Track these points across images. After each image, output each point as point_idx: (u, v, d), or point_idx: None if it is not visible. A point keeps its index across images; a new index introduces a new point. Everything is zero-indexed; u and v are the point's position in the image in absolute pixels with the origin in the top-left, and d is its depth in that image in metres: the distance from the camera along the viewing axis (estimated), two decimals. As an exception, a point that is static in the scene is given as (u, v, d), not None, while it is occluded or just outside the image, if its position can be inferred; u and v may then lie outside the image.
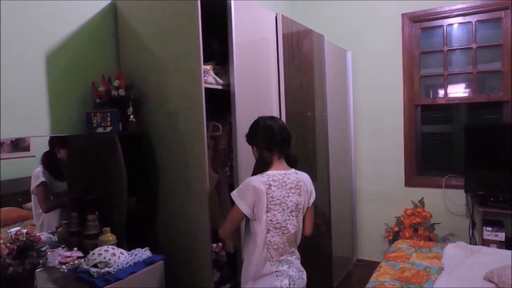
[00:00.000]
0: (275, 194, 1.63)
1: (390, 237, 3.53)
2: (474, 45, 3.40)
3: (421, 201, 3.56)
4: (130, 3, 2.15)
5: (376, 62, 3.73)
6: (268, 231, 1.64)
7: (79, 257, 1.71)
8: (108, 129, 1.95)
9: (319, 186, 2.81)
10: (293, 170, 1.74)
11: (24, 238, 1.51)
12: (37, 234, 1.64)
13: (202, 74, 1.88)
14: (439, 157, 3.67)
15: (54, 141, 1.92)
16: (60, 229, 1.91)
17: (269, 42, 2.37)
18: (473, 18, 3.38)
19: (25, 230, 1.57)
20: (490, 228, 3.03)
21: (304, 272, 1.77)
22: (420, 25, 3.59)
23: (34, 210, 1.86)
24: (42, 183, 1.87)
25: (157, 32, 2.04)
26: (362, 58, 3.76)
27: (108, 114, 1.96)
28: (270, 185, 1.63)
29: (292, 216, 1.68)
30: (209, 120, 2.03)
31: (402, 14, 3.58)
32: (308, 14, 3.93)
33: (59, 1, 1.95)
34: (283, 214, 1.65)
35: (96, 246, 1.73)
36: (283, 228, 1.65)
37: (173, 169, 2.02)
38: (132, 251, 1.76)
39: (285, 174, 1.69)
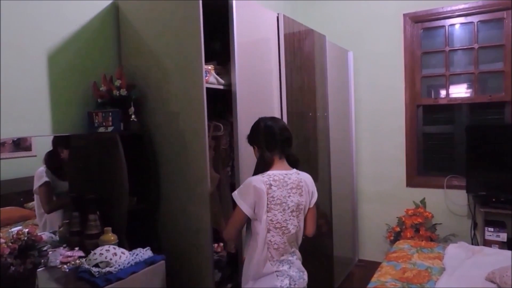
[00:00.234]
0: (276, 194, 1.63)
1: (392, 238, 3.53)
2: (476, 46, 3.40)
3: (423, 202, 3.55)
4: (131, 3, 2.15)
5: (377, 62, 3.72)
6: (268, 230, 1.64)
7: (80, 257, 1.71)
8: (110, 128, 1.96)
9: (321, 187, 2.80)
10: (294, 170, 1.74)
11: (25, 238, 1.51)
12: (39, 234, 1.64)
13: (204, 74, 1.88)
14: (441, 158, 3.66)
15: (58, 141, 1.92)
16: (61, 229, 1.92)
17: (271, 42, 2.37)
18: (475, 19, 3.38)
19: (27, 230, 1.58)
20: (491, 229, 3.03)
21: (305, 273, 1.77)
22: (421, 25, 3.59)
23: (37, 209, 1.87)
24: (45, 183, 1.87)
25: (158, 32, 2.04)
26: (363, 58, 3.76)
27: (110, 113, 1.96)
28: (270, 184, 1.63)
29: (293, 216, 1.68)
30: (210, 120, 2.03)
31: (403, 14, 3.58)
32: (310, 14, 3.93)
33: (60, 1, 1.95)
34: (283, 214, 1.65)
35: (97, 245, 1.73)
36: (283, 228, 1.65)
37: (174, 169, 2.02)
38: (133, 251, 1.76)
39: (286, 174, 1.69)
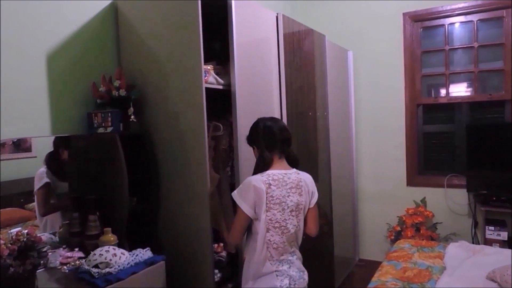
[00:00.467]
0: (275, 194, 1.63)
1: (392, 237, 3.53)
2: (475, 44, 3.39)
3: (423, 201, 3.55)
4: (130, 3, 2.15)
5: (377, 61, 3.72)
6: (267, 230, 1.64)
7: (80, 258, 1.71)
8: (109, 129, 1.95)
9: (321, 186, 2.80)
10: (294, 170, 1.74)
11: (25, 239, 1.51)
12: (38, 235, 1.63)
13: (203, 74, 1.87)
14: (441, 157, 3.66)
15: (58, 142, 1.92)
16: (61, 230, 1.91)
17: (270, 42, 2.37)
18: (474, 17, 3.38)
19: (26, 231, 1.57)
20: (492, 228, 3.02)
21: (306, 272, 1.76)
22: (421, 24, 3.58)
23: (37, 211, 1.87)
24: (45, 184, 1.87)
25: (158, 32, 2.04)
26: (363, 57, 3.76)
27: (109, 114, 1.96)
28: (270, 184, 1.62)
29: (292, 216, 1.68)
30: (210, 120, 2.03)
31: (403, 14, 3.57)
32: (309, 13, 3.93)
33: (59, 2, 1.95)
34: (282, 214, 1.65)
35: (97, 246, 1.73)
36: (282, 227, 1.65)
37: (174, 169, 2.02)
38: (133, 251, 1.75)
39: (285, 173, 1.69)
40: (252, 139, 1.78)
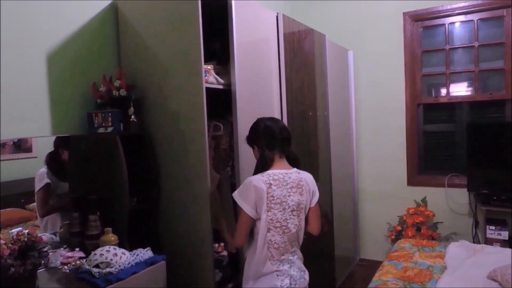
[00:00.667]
0: (276, 193, 1.63)
1: (393, 237, 3.52)
2: (476, 44, 3.39)
3: (424, 200, 3.55)
4: (130, 3, 2.15)
5: (377, 61, 3.72)
6: (268, 230, 1.64)
7: (80, 258, 1.71)
8: (109, 129, 1.96)
9: (321, 186, 2.80)
10: (294, 169, 1.74)
11: (25, 239, 1.51)
12: (39, 235, 1.64)
13: (203, 74, 1.88)
14: (442, 156, 3.66)
15: (58, 142, 1.92)
16: (62, 230, 1.91)
17: (270, 41, 2.37)
18: (475, 17, 3.37)
19: (27, 231, 1.57)
20: (493, 227, 3.02)
21: (306, 272, 1.76)
22: (421, 23, 3.58)
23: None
24: (46, 185, 1.87)
25: (158, 32, 2.04)
26: (363, 57, 3.76)
27: (109, 114, 1.96)
28: (270, 184, 1.62)
29: (293, 215, 1.68)
30: (210, 120, 2.03)
31: (403, 13, 3.57)
32: (309, 13, 3.93)
33: (60, 2, 1.95)
34: (283, 213, 1.65)
35: (97, 246, 1.73)
36: (283, 227, 1.65)
37: (175, 169, 2.02)
38: (134, 251, 1.75)
39: (286, 173, 1.69)
40: (252, 138, 1.78)
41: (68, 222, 1.91)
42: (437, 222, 3.47)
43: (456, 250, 2.50)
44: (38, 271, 1.58)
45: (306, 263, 1.80)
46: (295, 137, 2.48)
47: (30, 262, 1.50)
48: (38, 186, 1.85)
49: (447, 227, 3.46)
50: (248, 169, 1.97)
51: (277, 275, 1.64)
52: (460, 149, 3.47)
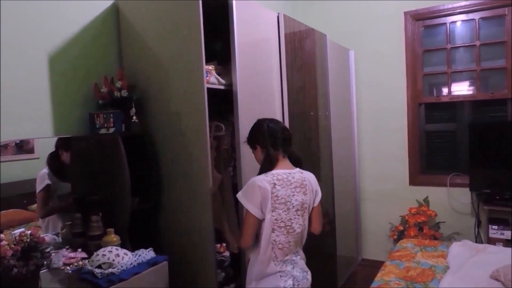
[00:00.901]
0: (280, 193, 1.62)
1: (395, 236, 3.52)
2: (477, 43, 3.38)
3: (426, 200, 3.54)
4: (132, 3, 2.15)
5: (379, 60, 3.71)
6: (273, 230, 1.63)
7: (83, 258, 1.72)
8: (111, 130, 1.96)
9: (323, 186, 2.80)
10: (297, 169, 1.74)
11: (28, 239, 1.51)
12: (41, 235, 1.64)
13: (204, 74, 1.87)
14: (444, 156, 3.65)
15: (60, 143, 1.92)
16: (64, 230, 1.92)
17: (271, 41, 2.37)
18: (476, 16, 3.37)
19: (29, 232, 1.57)
20: (495, 227, 3.01)
21: (309, 273, 1.76)
22: (422, 23, 3.58)
23: (39, 212, 1.88)
24: (46, 186, 1.87)
25: (159, 32, 2.04)
26: (364, 57, 3.75)
27: (111, 115, 1.96)
28: (274, 184, 1.62)
29: (298, 215, 1.68)
30: (211, 120, 2.03)
31: (404, 12, 3.57)
32: (310, 13, 3.93)
33: (61, 2, 1.96)
34: (288, 213, 1.64)
35: (100, 247, 1.73)
36: (288, 227, 1.65)
37: (176, 170, 2.02)
38: (136, 251, 1.76)
39: (289, 173, 1.69)
40: (255, 139, 1.76)
41: (70, 222, 1.91)
42: (439, 222, 3.46)
43: (459, 250, 2.49)
44: (41, 271, 1.58)
45: (308, 263, 1.80)
46: (296, 137, 2.49)
47: (32, 263, 1.50)
48: (39, 187, 1.85)
49: (450, 226, 3.45)
50: (249, 170, 1.97)
51: (280, 276, 1.64)
52: (462, 149, 3.46)
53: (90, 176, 2.02)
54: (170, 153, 2.04)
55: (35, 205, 1.86)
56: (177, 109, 1.99)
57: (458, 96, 3.52)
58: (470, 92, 3.49)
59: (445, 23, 3.49)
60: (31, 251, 1.51)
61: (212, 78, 1.98)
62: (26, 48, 1.82)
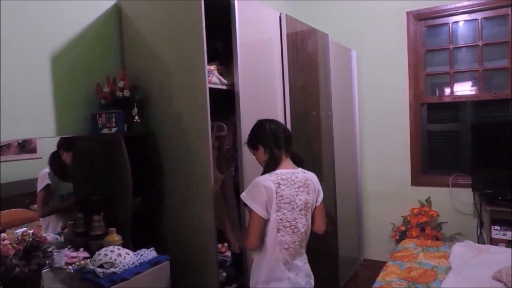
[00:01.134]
0: (284, 193, 1.62)
1: (397, 237, 3.51)
2: (480, 43, 3.37)
3: (428, 200, 3.53)
4: (134, 4, 2.16)
5: (381, 60, 3.71)
6: (278, 230, 1.62)
7: (85, 258, 1.72)
8: (113, 130, 1.96)
9: (325, 186, 2.79)
10: (300, 169, 1.74)
11: (30, 239, 1.51)
12: (44, 235, 1.64)
13: (206, 74, 1.88)
14: (446, 156, 3.64)
15: (61, 143, 1.93)
16: (66, 230, 1.92)
17: (273, 41, 2.37)
18: (479, 16, 3.36)
19: (32, 231, 1.58)
20: (498, 227, 3.00)
21: (312, 277, 1.76)
22: (425, 23, 3.57)
23: (41, 211, 1.88)
24: (46, 186, 1.87)
25: (161, 32, 2.04)
26: (367, 57, 3.75)
27: (113, 115, 1.96)
28: (279, 183, 1.62)
29: (301, 214, 1.67)
30: (213, 120, 2.03)
31: (407, 12, 3.56)
32: (312, 13, 3.92)
33: (63, 2, 1.96)
34: (292, 213, 1.64)
35: (102, 246, 1.74)
36: (293, 226, 1.65)
37: (178, 169, 2.02)
38: (138, 251, 1.76)
39: (293, 172, 1.69)
40: (257, 139, 1.74)
41: (72, 222, 1.92)
42: (441, 222, 3.46)
43: (461, 251, 2.49)
44: (43, 271, 1.58)
45: (310, 264, 1.79)
46: (298, 137, 2.49)
47: (35, 262, 1.50)
48: (39, 187, 1.86)
49: (452, 227, 3.44)
50: (251, 170, 1.97)
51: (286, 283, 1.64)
52: (465, 149, 3.46)
53: (92, 175, 2.02)
54: (172, 153, 2.04)
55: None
56: (179, 109, 2.00)
57: (460, 96, 3.51)
58: (473, 92, 3.48)
59: (447, 23, 3.48)
60: (33, 251, 1.51)
61: (214, 78, 1.98)
62: (28, 49, 1.83)
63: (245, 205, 1.63)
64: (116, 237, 1.80)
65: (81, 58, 2.05)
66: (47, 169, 1.88)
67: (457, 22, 3.47)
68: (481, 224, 3.30)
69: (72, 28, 2.01)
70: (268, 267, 1.64)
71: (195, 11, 1.86)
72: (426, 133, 3.67)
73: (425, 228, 3.35)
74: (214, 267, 1.93)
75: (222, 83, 2.04)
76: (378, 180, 3.81)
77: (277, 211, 1.61)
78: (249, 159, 2.00)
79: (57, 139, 1.92)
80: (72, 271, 1.65)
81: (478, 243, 3.15)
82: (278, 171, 1.66)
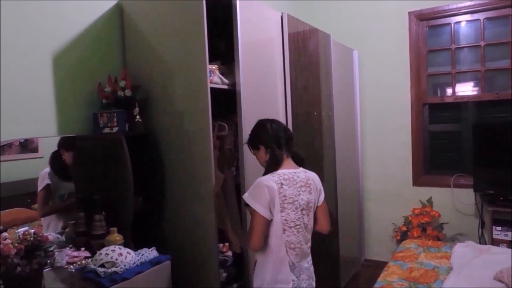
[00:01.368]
0: (287, 193, 1.62)
1: (398, 237, 3.51)
2: (482, 43, 3.37)
3: (429, 201, 3.53)
4: (136, 3, 2.16)
5: (382, 60, 3.70)
6: (284, 231, 1.62)
7: (86, 257, 1.72)
8: (115, 129, 1.96)
9: (326, 186, 2.78)
10: (301, 169, 1.74)
11: (31, 238, 1.52)
12: (45, 234, 1.65)
13: (208, 74, 1.88)
14: (447, 156, 3.63)
15: (62, 142, 1.93)
16: (67, 229, 1.93)
17: (275, 41, 2.37)
18: (481, 16, 3.35)
19: (33, 230, 1.58)
20: (499, 228, 3.00)
21: (314, 279, 1.76)
22: (427, 23, 3.56)
23: (42, 211, 1.88)
24: (46, 186, 1.87)
25: (162, 32, 2.05)
26: (368, 57, 3.74)
27: (115, 114, 1.96)
28: (281, 183, 1.62)
29: (303, 214, 1.67)
30: (215, 120, 2.03)
31: (409, 12, 3.55)
32: (314, 13, 3.92)
33: (65, 2, 1.96)
34: (296, 213, 1.64)
35: (103, 246, 1.74)
36: (297, 226, 1.65)
37: (179, 169, 2.02)
38: (139, 251, 1.76)
39: (294, 172, 1.69)
40: (258, 139, 1.74)
41: (73, 221, 1.92)
42: (442, 223, 3.45)
43: (462, 251, 2.48)
44: (44, 270, 1.59)
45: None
46: (299, 137, 2.49)
47: (36, 262, 1.50)
48: (39, 187, 1.86)
49: (453, 227, 3.44)
50: (252, 170, 1.97)
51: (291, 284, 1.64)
52: (466, 149, 3.45)
53: (93, 175, 2.03)
54: (173, 152, 2.04)
55: (37, 204, 1.87)
56: (181, 108, 2.00)
57: (462, 96, 3.50)
58: (475, 93, 3.48)
59: (449, 23, 3.48)
60: (34, 250, 1.52)
61: (215, 77, 1.98)
62: (30, 49, 1.83)
63: (246, 205, 1.63)
64: (117, 236, 1.80)
65: (82, 57, 2.05)
66: (47, 169, 1.88)
67: (459, 22, 3.46)
68: (482, 224, 3.30)
69: (73, 28, 2.01)
70: (273, 268, 1.64)
71: (197, 10, 1.86)
72: (428, 133, 3.67)
73: (426, 228, 3.35)
74: (215, 266, 1.93)
75: (223, 83, 2.04)
76: (380, 180, 3.80)
77: (281, 211, 1.61)
78: (250, 159, 1.99)
79: (58, 138, 1.92)
80: (73, 270, 1.65)
81: (480, 243, 3.15)
82: (280, 171, 1.66)
